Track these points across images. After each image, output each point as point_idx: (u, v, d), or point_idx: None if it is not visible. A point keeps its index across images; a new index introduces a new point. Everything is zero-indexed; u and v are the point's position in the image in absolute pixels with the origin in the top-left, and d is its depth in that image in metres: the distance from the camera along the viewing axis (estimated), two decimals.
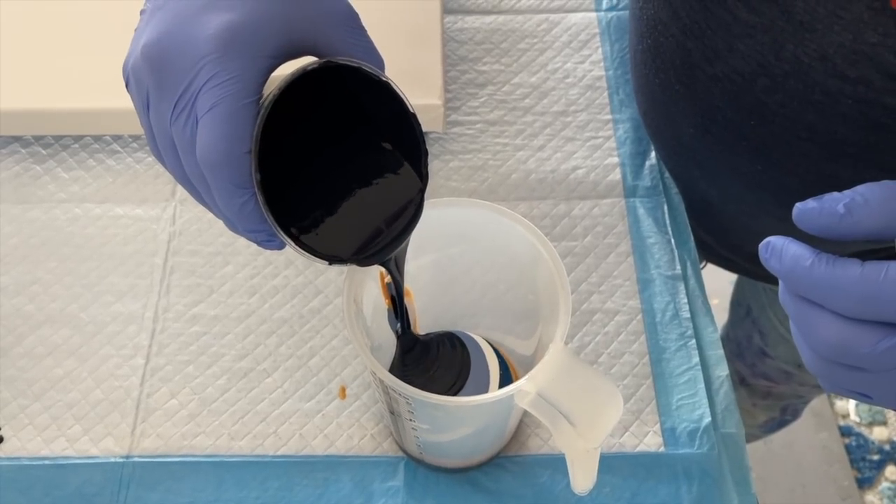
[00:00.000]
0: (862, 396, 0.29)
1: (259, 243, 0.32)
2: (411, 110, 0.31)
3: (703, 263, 0.65)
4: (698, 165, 0.51)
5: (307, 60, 0.30)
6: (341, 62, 0.29)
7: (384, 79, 0.30)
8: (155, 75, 0.30)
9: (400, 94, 0.31)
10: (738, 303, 0.77)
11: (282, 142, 0.32)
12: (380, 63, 0.33)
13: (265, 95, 0.29)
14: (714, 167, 0.49)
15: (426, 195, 0.33)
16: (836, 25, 0.36)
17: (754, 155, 0.45)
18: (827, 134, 0.40)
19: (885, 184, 0.26)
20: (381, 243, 0.33)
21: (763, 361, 0.76)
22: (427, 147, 0.32)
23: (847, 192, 0.26)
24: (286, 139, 0.32)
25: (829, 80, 0.38)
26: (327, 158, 0.34)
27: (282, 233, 0.30)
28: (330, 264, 0.32)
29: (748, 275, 0.65)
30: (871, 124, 0.38)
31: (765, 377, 0.79)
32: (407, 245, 0.34)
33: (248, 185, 0.29)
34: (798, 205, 0.27)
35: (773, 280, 0.65)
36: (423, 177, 0.33)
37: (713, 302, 0.52)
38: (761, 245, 0.28)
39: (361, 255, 0.33)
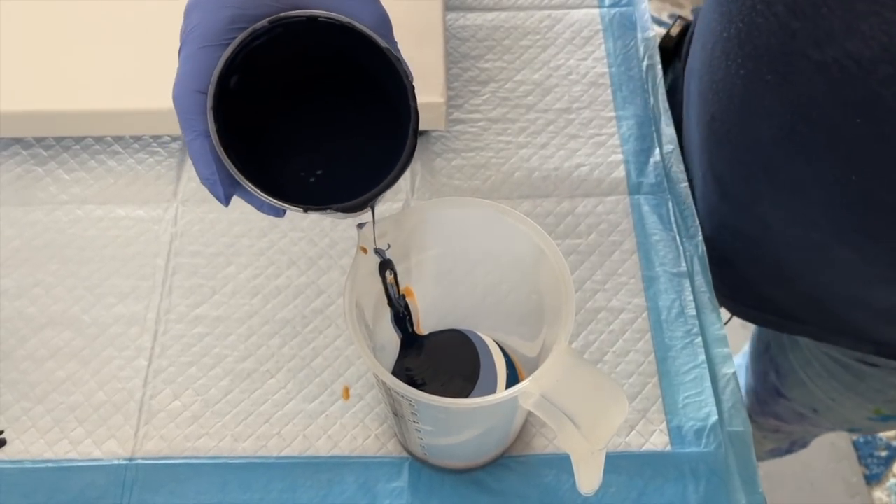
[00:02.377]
0: None
1: (224, 195, 0.32)
2: (382, 45, 0.30)
3: (729, 317, 0.59)
4: (768, 176, 0.45)
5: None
6: (289, 17, 0.30)
7: (342, 21, 0.30)
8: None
9: (366, 31, 0.30)
10: (759, 337, 0.73)
11: (270, 100, 0.33)
12: (372, 15, 0.32)
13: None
14: (790, 178, 0.44)
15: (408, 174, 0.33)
16: None
17: (848, 162, 0.40)
18: None
19: None
20: (368, 188, 0.32)
21: (776, 401, 0.72)
22: (412, 82, 0.31)
23: None
24: (277, 98, 0.33)
25: None
26: (317, 113, 0.34)
27: (236, 171, 0.30)
28: (305, 212, 0.31)
29: (781, 328, 0.59)
30: None
31: (775, 416, 0.75)
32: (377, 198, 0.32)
33: (202, 124, 0.30)
34: None
35: (806, 333, 0.58)
36: (411, 112, 0.31)
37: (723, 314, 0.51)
38: None
39: (344, 202, 0.32)
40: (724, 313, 0.52)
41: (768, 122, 0.43)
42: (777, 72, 0.41)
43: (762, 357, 0.72)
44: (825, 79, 0.38)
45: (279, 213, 0.33)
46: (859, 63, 0.36)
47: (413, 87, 0.31)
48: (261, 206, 0.33)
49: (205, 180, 0.32)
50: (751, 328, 0.76)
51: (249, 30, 0.30)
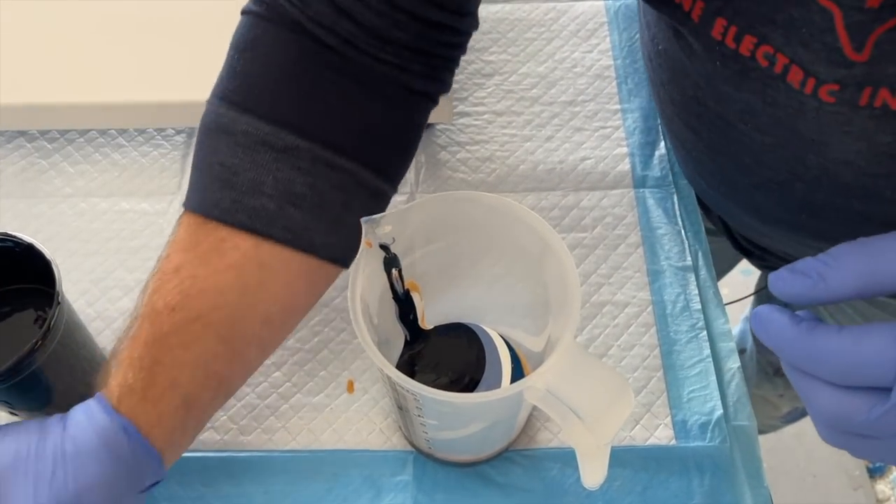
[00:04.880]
0: (888, 462, 0.27)
1: None
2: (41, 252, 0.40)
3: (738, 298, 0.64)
4: (761, 235, 0.51)
5: None
6: None
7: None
8: None
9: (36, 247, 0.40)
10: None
11: None
12: None
13: None
14: (777, 238, 0.49)
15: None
16: (846, 139, 0.35)
17: (814, 238, 0.45)
18: (879, 214, 0.39)
19: (860, 242, 0.25)
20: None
21: None
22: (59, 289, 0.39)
23: (820, 255, 0.26)
24: None
25: (860, 178, 0.37)
26: None
27: None
28: None
29: None
30: None
31: None
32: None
33: None
34: (771, 275, 0.27)
35: None
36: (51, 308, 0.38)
37: (723, 291, 0.51)
38: (751, 317, 0.28)
39: None
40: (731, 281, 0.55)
41: (744, 215, 0.49)
42: (728, 187, 0.46)
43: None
44: (762, 194, 0.43)
45: None
46: (780, 184, 0.41)
47: (56, 297, 0.38)
48: None
49: None
50: (735, 294, 0.77)
51: None
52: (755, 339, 0.84)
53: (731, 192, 0.46)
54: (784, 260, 0.56)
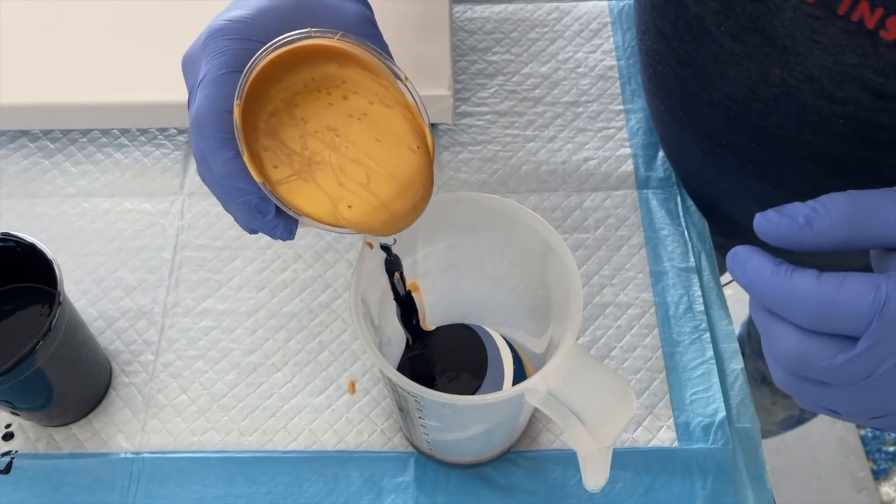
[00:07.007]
0: (831, 412, 0.28)
1: (257, 215, 0.32)
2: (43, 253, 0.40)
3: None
4: (715, 188, 0.50)
5: None
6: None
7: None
8: (185, 77, 0.34)
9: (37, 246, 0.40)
10: None
11: None
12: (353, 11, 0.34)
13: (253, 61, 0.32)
14: (729, 190, 0.49)
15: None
16: (815, 49, 0.35)
17: (761, 176, 0.45)
18: (827, 152, 0.40)
19: (850, 194, 0.26)
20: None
21: None
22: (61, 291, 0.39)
23: (810, 202, 0.26)
24: None
25: (818, 101, 0.37)
26: None
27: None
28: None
29: None
30: (867, 141, 0.38)
31: None
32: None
33: (231, 142, 0.31)
34: (758, 215, 0.27)
35: None
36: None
37: (727, 293, 0.51)
38: (728, 255, 0.28)
39: None
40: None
41: (694, 147, 0.48)
42: (684, 109, 0.46)
43: None
44: (718, 115, 0.43)
45: (292, 233, 0.34)
46: (737, 102, 0.41)
47: (59, 303, 0.39)
48: (274, 228, 0.33)
49: (251, 196, 0.31)
50: (741, 295, 0.77)
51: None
52: (747, 346, 0.84)
53: (688, 115, 0.46)
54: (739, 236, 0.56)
